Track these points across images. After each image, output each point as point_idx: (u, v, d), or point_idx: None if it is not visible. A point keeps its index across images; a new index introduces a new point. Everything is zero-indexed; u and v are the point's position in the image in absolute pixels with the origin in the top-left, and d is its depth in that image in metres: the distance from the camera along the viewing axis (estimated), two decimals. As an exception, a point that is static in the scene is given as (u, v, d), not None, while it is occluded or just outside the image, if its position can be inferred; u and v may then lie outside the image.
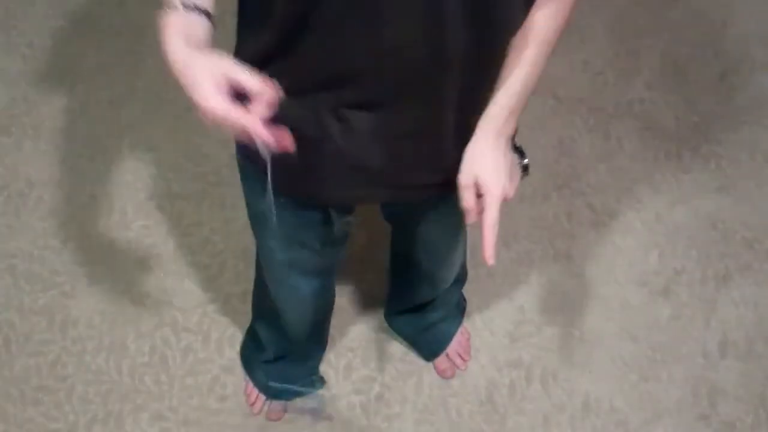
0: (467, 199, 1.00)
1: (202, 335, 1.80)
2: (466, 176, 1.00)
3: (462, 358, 1.77)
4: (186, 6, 0.86)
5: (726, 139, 2.14)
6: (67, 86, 2.20)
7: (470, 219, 1.01)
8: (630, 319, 1.84)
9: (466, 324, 1.80)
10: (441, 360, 1.76)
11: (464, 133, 1.02)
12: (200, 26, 0.86)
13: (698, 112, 2.19)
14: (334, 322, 1.77)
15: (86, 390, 1.73)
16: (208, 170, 2.04)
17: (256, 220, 1.28)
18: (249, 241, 1.44)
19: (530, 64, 0.98)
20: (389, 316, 1.79)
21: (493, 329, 1.83)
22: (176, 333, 1.81)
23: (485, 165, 1.00)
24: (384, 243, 1.64)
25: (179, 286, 1.86)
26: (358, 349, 1.80)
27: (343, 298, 1.83)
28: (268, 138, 0.81)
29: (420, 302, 1.68)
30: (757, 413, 1.73)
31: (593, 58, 2.29)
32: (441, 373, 1.76)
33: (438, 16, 0.86)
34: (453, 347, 1.76)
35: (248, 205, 1.26)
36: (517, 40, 0.97)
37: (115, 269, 1.89)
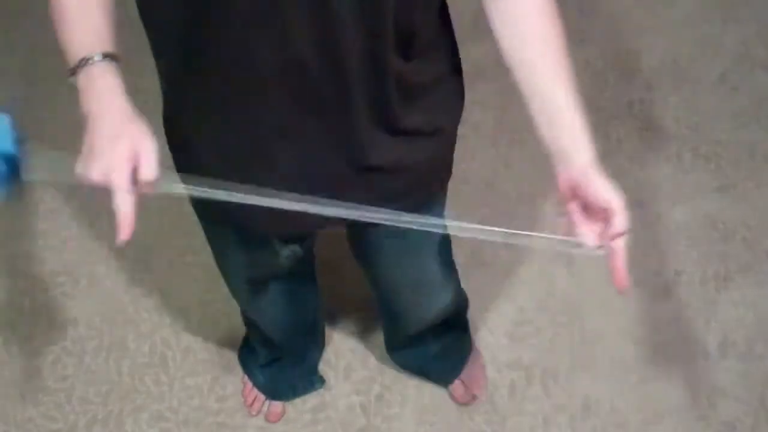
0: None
1: (202, 335, 1.80)
2: (619, 205, 0.93)
3: (478, 386, 1.71)
4: (107, 56, 0.82)
5: (726, 139, 2.14)
6: (67, 86, 2.20)
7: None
8: (630, 319, 1.84)
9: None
10: (456, 386, 1.70)
11: (379, 142, 0.98)
12: (118, 76, 0.83)
13: (698, 112, 2.19)
14: (334, 322, 1.77)
15: (86, 390, 1.73)
16: (208, 170, 2.03)
17: (208, 239, 1.31)
18: (249, 241, 1.44)
19: (567, 72, 0.96)
20: (390, 352, 1.72)
21: (493, 329, 1.83)
22: (176, 333, 1.81)
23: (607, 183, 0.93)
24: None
25: (179, 286, 1.86)
26: (358, 349, 1.80)
27: (343, 298, 1.83)
28: (124, 230, 0.79)
29: (409, 334, 1.60)
30: (757, 414, 1.73)
31: (593, 58, 2.29)
32: (458, 400, 1.70)
33: (331, 24, 0.84)
34: (468, 375, 1.70)
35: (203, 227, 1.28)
36: (533, 59, 0.94)
37: (115, 269, 1.89)
